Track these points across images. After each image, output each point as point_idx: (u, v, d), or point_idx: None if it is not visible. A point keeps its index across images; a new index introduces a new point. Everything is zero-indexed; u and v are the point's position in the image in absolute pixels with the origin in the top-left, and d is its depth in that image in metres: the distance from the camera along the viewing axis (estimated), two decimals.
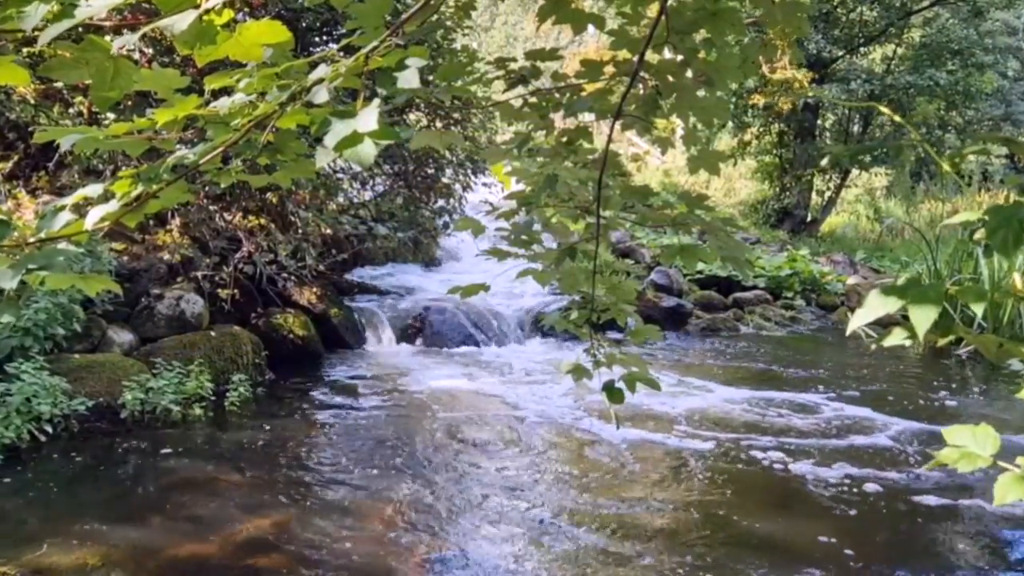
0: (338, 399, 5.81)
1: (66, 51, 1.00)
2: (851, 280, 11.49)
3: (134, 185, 1.11)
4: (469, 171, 8.55)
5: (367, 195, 8.40)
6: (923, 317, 1.03)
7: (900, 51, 14.56)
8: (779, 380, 6.82)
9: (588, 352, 2.05)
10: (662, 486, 4.30)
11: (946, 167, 1.34)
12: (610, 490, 4.21)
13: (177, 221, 6.30)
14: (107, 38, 1.11)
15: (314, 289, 7.31)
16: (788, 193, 15.80)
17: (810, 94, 12.73)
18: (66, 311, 5.09)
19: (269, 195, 6.44)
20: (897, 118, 1.57)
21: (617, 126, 1.76)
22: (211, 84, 1.17)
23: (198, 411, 5.17)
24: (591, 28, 1.72)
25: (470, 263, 10.71)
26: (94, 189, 1.12)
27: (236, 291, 6.23)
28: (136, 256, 6.12)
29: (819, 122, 15.96)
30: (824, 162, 13.58)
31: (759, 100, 13.38)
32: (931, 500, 4.15)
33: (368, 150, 0.99)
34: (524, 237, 1.97)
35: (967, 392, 6.79)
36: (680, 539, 3.63)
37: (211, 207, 6.31)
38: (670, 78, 1.71)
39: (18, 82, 1.08)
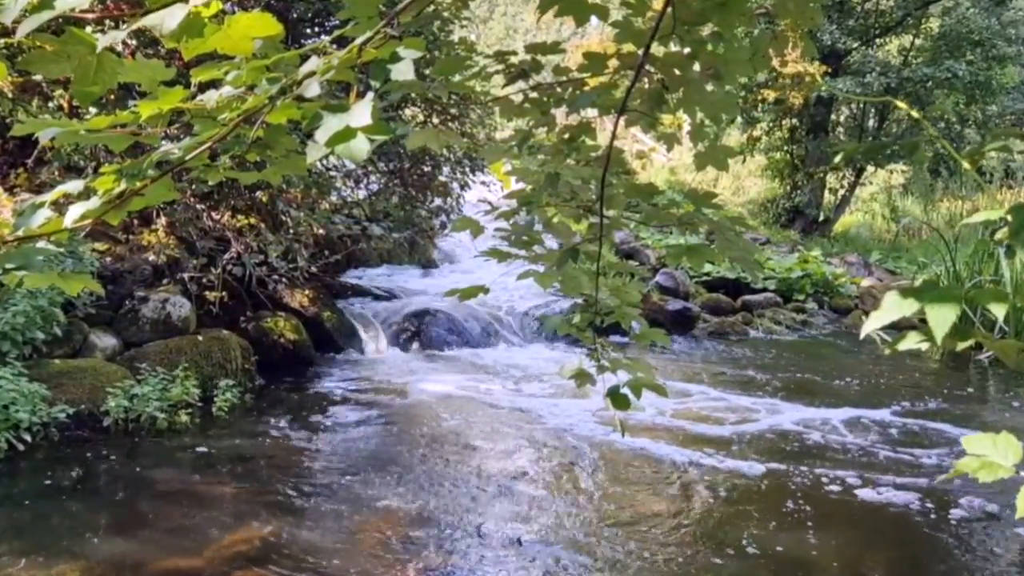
0: (331, 406, 5.80)
1: (46, 44, 1.00)
2: (865, 282, 11.50)
3: (117, 181, 1.11)
4: (467, 169, 8.55)
5: (361, 194, 8.40)
6: (941, 320, 1.02)
7: (918, 42, 14.57)
8: (790, 387, 6.82)
9: (591, 356, 2.05)
10: (670, 499, 4.30)
11: (966, 164, 1.34)
12: (617, 505, 4.21)
13: (163, 220, 6.30)
14: (87, 29, 1.11)
15: (306, 291, 7.31)
16: (800, 191, 15.82)
17: (823, 88, 12.74)
18: (46, 314, 5.09)
19: (259, 193, 6.44)
20: (915, 113, 1.57)
21: (621, 122, 1.76)
22: (198, 77, 1.17)
23: (184, 419, 5.16)
24: (594, 20, 1.72)
25: (468, 265, 10.72)
26: (75, 185, 1.12)
27: (224, 293, 6.23)
28: (120, 257, 6.12)
29: (832, 117, 15.96)
30: (838, 159, 13.56)
31: (769, 95, 13.39)
32: (949, 510, 4.14)
33: (361, 145, 0.98)
34: (524, 238, 1.97)
35: (987, 399, 6.79)
36: (690, 558, 3.63)
37: (198, 206, 6.31)
38: (677, 72, 1.71)
39: None
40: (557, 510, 4.08)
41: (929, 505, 4.21)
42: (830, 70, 13.57)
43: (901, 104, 1.50)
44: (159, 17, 0.94)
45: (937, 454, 5.06)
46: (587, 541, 3.72)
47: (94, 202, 1.09)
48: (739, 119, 15.31)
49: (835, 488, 4.43)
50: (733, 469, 4.68)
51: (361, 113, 0.98)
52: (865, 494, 4.35)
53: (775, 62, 11.97)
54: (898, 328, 7.93)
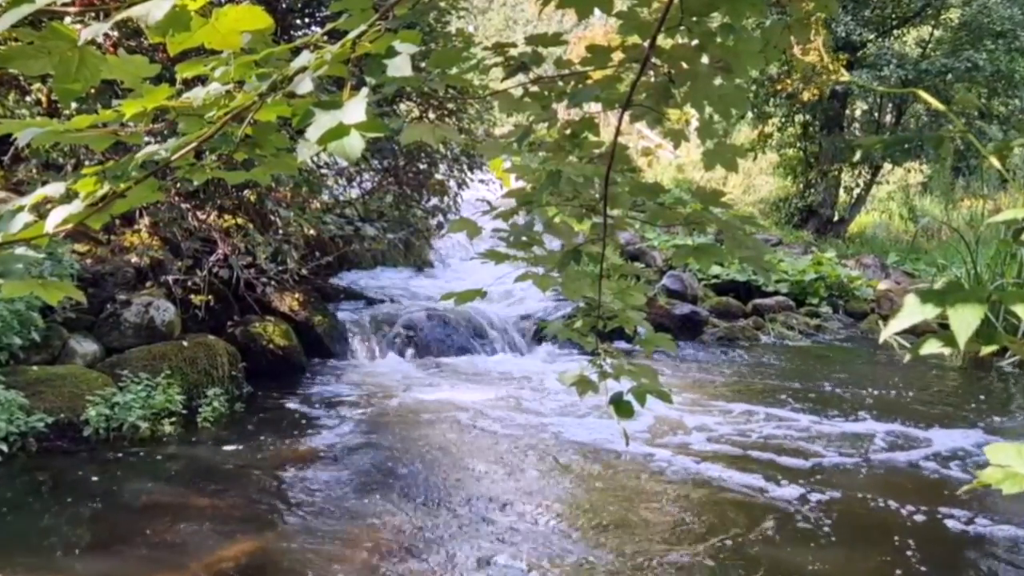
0: (322, 415, 5.80)
1: (25, 38, 1.01)
2: (882, 285, 11.50)
3: (99, 184, 1.12)
4: (465, 167, 8.56)
5: (354, 192, 8.41)
6: (965, 322, 1.02)
7: (937, 33, 14.57)
8: (804, 396, 6.82)
9: (593, 363, 2.06)
10: (677, 515, 4.29)
11: (993, 160, 1.34)
12: (621, 522, 4.20)
13: (146, 220, 6.31)
14: (67, 22, 1.12)
15: (296, 295, 7.31)
16: (813, 190, 15.83)
17: (841, 78, 12.74)
18: (23, 319, 5.09)
19: (247, 192, 6.44)
20: (937, 104, 1.56)
21: (626, 117, 1.76)
22: (184, 73, 1.17)
23: (169, 428, 5.16)
24: (598, 11, 1.72)
25: (465, 267, 10.73)
26: (55, 188, 1.12)
27: (210, 297, 6.23)
28: (101, 259, 6.13)
29: (847, 112, 15.98)
30: (857, 155, 13.55)
31: (787, 86, 13.38)
32: (972, 525, 4.14)
33: (355, 143, 0.99)
34: (524, 239, 1.97)
35: (1011, 407, 6.79)
36: None
37: (183, 205, 6.31)
38: (684, 65, 1.71)
39: None
40: (559, 525, 4.08)
41: (966, 521, 4.21)
42: (849, 59, 13.57)
43: (925, 95, 1.50)
44: (145, 9, 0.94)
45: (958, 465, 5.06)
46: (591, 560, 3.72)
47: (76, 205, 1.10)
48: (750, 114, 15.32)
49: (874, 509, 4.43)
50: (752, 485, 4.68)
51: (355, 110, 0.98)
52: (898, 511, 4.35)
53: (796, 50, 11.94)
54: (915, 333, 7.94)
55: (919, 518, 4.22)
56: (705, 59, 1.71)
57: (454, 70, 1.69)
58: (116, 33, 5.80)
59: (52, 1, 0.95)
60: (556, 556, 3.70)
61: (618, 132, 1.79)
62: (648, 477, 4.78)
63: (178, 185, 5.95)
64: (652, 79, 1.74)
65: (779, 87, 13.64)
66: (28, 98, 6.08)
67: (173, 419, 5.25)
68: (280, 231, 6.70)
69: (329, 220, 7.41)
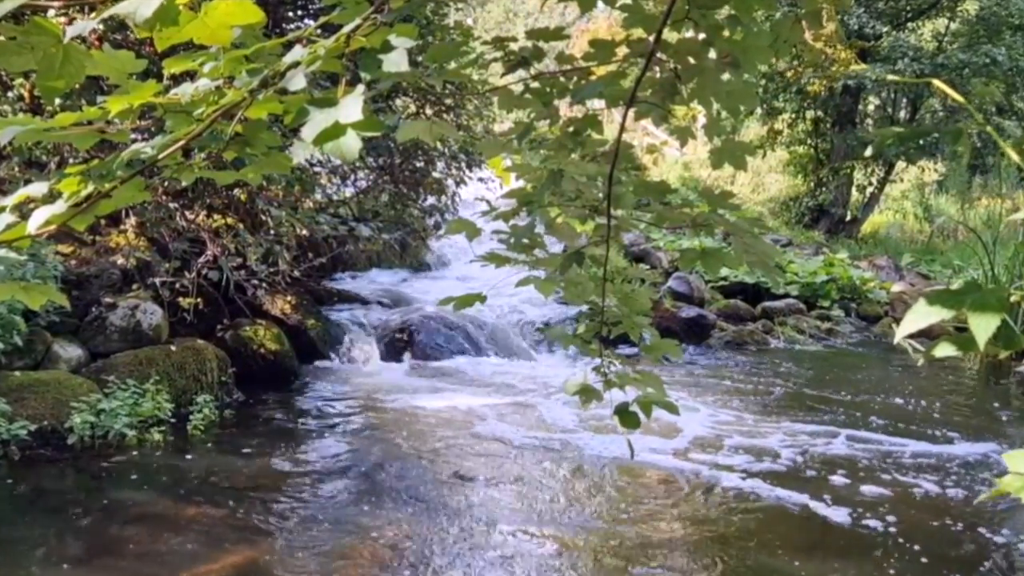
0: (316, 422, 5.80)
1: (7, 33, 1.01)
2: (896, 287, 11.49)
3: (84, 183, 1.12)
4: (463, 165, 8.56)
5: (348, 191, 8.41)
6: (983, 325, 1.02)
7: (953, 26, 14.56)
8: (815, 403, 6.81)
9: (597, 370, 2.05)
10: (685, 529, 4.29)
11: (1014, 155, 1.34)
12: (625, 535, 4.20)
13: (132, 220, 6.31)
14: (50, 15, 1.12)
15: (288, 297, 7.31)
16: (824, 188, 15.83)
17: (852, 69, 12.71)
18: (5, 322, 5.09)
19: (237, 192, 6.44)
20: (954, 95, 1.55)
21: (630, 114, 1.76)
22: (171, 68, 1.17)
23: (156, 436, 5.16)
24: (601, 4, 1.72)
25: (464, 268, 10.73)
26: (38, 188, 1.12)
27: (199, 300, 6.23)
28: (86, 260, 6.13)
29: (860, 107, 15.96)
30: (869, 151, 13.53)
31: (795, 75, 13.33)
32: (988, 537, 4.14)
33: (352, 143, 0.99)
34: (525, 240, 1.97)
35: None
36: None
37: (171, 205, 6.31)
38: (691, 59, 1.71)
39: None
40: (561, 539, 4.07)
41: (969, 528, 4.21)
42: (862, 47, 13.54)
43: (941, 85, 1.49)
44: (132, 5, 0.94)
45: (976, 473, 5.05)
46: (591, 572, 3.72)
47: (59, 206, 1.10)
48: (759, 110, 15.31)
49: (854, 513, 4.42)
50: (742, 488, 4.68)
51: (351, 107, 0.98)
52: (892, 517, 4.35)
53: (808, 35, 11.91)
54: (930, 337, 7.93)
55: (999, 540, 4.20)
56: (712, 54, 1.71)
57: (452, 65, 1.69)
58: (101, 27, 5.80)
59: None
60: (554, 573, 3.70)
61: (622, 129, 1.79)
62: (651, 489, 4.77)
63: (166, 184, 5.95)
64: (657, 74, 1.74)
65: (789, 74, 13.62)
66: (10, 94, 6.08)
67: (161, 426, 5.25)
68: (272, 231, 6.70)
69: (322, 220, 7.40)
